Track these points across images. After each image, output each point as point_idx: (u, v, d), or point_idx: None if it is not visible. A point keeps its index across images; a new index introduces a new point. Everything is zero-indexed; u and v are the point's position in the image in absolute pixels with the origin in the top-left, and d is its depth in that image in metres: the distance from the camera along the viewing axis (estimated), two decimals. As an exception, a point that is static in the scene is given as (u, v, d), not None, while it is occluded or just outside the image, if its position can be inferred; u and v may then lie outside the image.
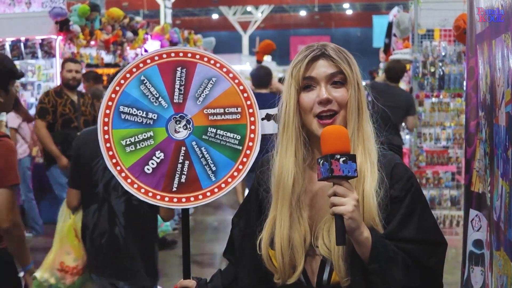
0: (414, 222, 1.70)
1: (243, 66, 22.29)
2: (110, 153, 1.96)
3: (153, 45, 11.08)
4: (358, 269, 1.65)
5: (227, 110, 1.97)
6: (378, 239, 1.63)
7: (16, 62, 9.24)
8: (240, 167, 1.95)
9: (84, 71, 10.60)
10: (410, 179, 1.75)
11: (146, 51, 10.82)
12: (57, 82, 8.15)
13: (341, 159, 1.57)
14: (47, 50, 8.33)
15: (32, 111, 9.81)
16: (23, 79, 10.07)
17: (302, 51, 1.78)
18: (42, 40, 8.39)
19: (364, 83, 1.79)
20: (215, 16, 37.50)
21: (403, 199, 1.71)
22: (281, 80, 11.01)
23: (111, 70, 9.97)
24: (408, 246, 1.67)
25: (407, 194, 1.72)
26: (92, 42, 8.98)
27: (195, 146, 1.96)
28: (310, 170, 1.79)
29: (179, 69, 1.99)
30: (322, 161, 1.59)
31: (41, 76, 10.27)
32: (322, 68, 1.73)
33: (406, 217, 1.70)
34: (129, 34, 10.04)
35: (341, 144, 1.59)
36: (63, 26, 7.88)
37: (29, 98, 10.10)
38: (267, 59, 28.20)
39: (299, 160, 1.76)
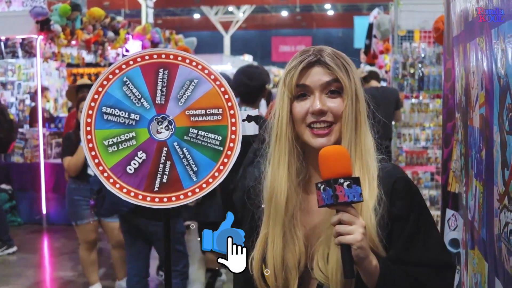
0: (420, 244, 1.57)
1: (224, 66, 22.21)
2: (93, 153, 1.98)
3: (134, 45, 11.04)
4: None
5: (209, 111, 1.99)
6: (386, 265, 1.52)
7: (-3, 62, 9.19)
8: (221, 167, 1.98)
9: (65, 71, 10.55)
10: (414, 196, 1.60)
11: (127, 51, 10.77)
12: (37, 81, 8.11)
13: (345, 184, 1.42)
14: (28, 49, 8.29)
15: (13, 111, 9.77)
16: (2, 79, 10.02)
17: (296, 56, 1.63)
18: (23, 39, 8.34)
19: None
20: (196, 16, 37.42)
21: (406, 217, 1.57)
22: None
23: (92, 70, 9.94)
24: (413, 269, 1.56)
25: (410, 213, 1.58)
26: (73, 42, 8.94)
27: (177, 147, 1.98)
28: (305, 185, 1.66)
29: (161, 70, 2.01)
30: (323, 186, 1.44)
31: (21, 76, 10.22)
32: (317, 76, 1.58)
33: (411, 238, 1.57)
34: (110, 34, 10.00)
35: (343, 167, 1.44)
36: (44, 25, 7.84)
37: (9, 98, 10.04)
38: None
39: (292, 174, 1.62)
